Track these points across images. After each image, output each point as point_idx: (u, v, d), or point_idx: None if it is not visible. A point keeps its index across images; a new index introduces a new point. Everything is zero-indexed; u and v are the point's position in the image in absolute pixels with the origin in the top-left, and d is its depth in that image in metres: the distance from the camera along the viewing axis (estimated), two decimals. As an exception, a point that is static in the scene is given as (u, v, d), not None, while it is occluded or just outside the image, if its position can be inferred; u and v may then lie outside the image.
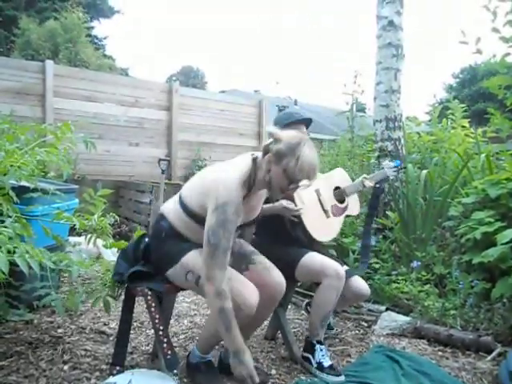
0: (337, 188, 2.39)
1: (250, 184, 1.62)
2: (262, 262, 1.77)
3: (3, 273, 1.46)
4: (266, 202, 1.94)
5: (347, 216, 2.42)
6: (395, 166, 2.58)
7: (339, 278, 1.97)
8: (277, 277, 1.74)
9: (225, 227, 1.50)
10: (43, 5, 16.63)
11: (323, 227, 2.24)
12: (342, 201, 2.37)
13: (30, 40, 12.88)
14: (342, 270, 2.00)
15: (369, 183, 2.43)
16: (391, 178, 2.60)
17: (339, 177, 2.47)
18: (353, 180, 2.55)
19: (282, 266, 2.07)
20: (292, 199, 2.09)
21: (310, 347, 2.04)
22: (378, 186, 2.52)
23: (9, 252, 1.52)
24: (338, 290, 1.98)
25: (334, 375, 1.91)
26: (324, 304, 2.00)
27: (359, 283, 2.15)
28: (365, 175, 2.50)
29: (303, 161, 1.52)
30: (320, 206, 2.28)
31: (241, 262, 1.75)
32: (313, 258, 2.06)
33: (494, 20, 2.90)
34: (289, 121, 2.17)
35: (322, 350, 2.01)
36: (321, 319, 2.02)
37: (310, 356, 2.01)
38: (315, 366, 1.97)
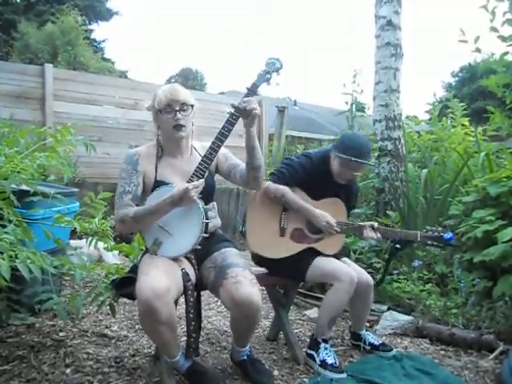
0: None
1: (159, 146, 1.87)
2: (234, 275, 1.66)
3: (5, 279, 1.46)
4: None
5: (313, 250, 2.13)
6: (445, 239, 2.07)
7: (352, 283, 1.98)
8: (244, 292, 1.60)
9: (119, 176, 1.80)
10: (42, 8, 16.66)
11: (267, 241, 2.10)
12: (317, 232, 2.14)
13: (29, 43, 12.91)
14: (354, 275, 2.00)
15: (370, 234, 2.11)
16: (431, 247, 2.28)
17: (335, 208, 2.15)
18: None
19: (292, 267, 2.09)
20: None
21: (314, 345, 2.05)
22: (397, 246, 2.21)
23: (10, 257, 1.52)
24: (349, 294, 2.00)
25: (336, 372, 1.92)
26: (334, 306, 2.02)
27: (358, 275, 2.09)
28: (374, 223, 2.16)
29: (158, 93, 1.81)
30: (278, 220, 2.14)
31: (219, 277, 1.70)
32: (325, 261, 2.07)
33: (492, 19, 2.90)
34: (355, 159, 2.06)
35: (326, 348, 2.02)
36: (329, 320, 2.03)
37: (314, 353, 2.02)
38: (318, 363, 1.97)
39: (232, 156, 1.95)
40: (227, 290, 1.64)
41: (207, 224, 1.70)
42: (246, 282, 1.64)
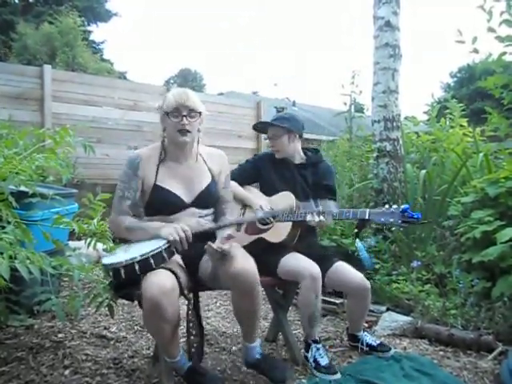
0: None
1: (163, 149, 1.88)
2: (233, 253, 1.68)
3: (4, 279, 1.46)
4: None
5: (284, 247, 2.15)
6: (402, 212, 1.87)
7: (313, 279, 1.98)
8: (239, 264, 1.63)
9: (120, 179, 1.84)
10: (40, 9, 16.67)
11: None
12: (266, 223, 2.22)
13: (27, 45, 12.91)
14: (316, 270, 1.99)
15: (312, 218, 2.04)
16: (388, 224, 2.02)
17: (284, 200, 2.22)
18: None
19: (266, 265, 2.07)
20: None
21: (307, 347, 2.08)
22: (355, 230, 2.27)
23: (10, 258, 1.52)
24: (315, 290, 1.99)
25: (329, 374, 1.93)
26: (305, 305, 2.03)
27: (354, 278, 2.11)
28: (320, 208, 2.09)
29: (168, 95, 1.83)
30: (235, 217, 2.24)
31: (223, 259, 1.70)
32: (291, 259, 2.08)
33: (489, 20, 2.91)
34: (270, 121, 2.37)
35: (318, 349, 2.03)
36: (307, 320, 2.04)
37: (308, 355, 2.04)
38: (313, 365, 2.00)
39: (228, 192, 2.02)
40: (224, 268, 1.65)
41: (144, 261, 1.59)
42: (240, 255, 1.67)
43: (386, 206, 2.03)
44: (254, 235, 2.21)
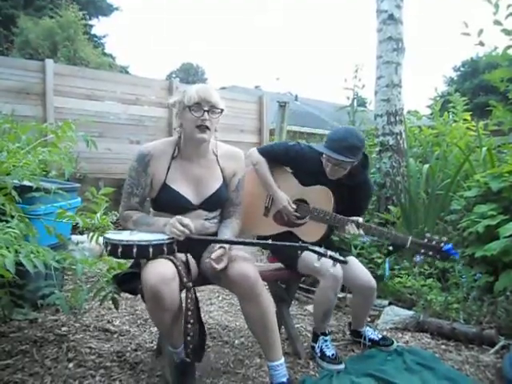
0: (304, 201, 2.13)
1: (177, 144, 1.83)
2: (233, 256, 1.70)
3: (10, 272, 1.47)
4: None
5: (292, 234, 2.11)
6: (444, 250, 1.87)
7: (335, 279, 1.95)
8: (238, 267, 1.64)
9: (129, 174, 1.81)
10: (42, 3, 16.61)
11: (250, 218, 2.09)
12: (301, 217, 2.12)
13: (29, 39, 12.88)
14: (339, 272, 1.94)
15: (352, 229, 1.98)
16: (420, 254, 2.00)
17: (321, 196, 2.08)
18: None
19: (285, 257, 2.11)
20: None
21: (314, 338, 2.12)
22: (390, 248, 2.18)
23: (15, 252, 1.53)
24: (334, 290, 1.99)
25: (333, 364, 1.97)
26: (323, 303, 2.04)
27: (360, 276, 2.10)
28: (359, 219, 2.02)
29: (189, 89, 1.76)
30: (264, 199, 2.17)
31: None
32: (313, 255, 2.03)
33: (495, 12, 2.88)
34: (329, 153, 1.97)
35: (326, 340, 2.07)
36: (321, 316, 2.07)
37: (315, 345, 2.09)
38: (318, 354, 2.04)
39: (239, 195, 1.93)
40: (224, 272, 1.65)
41: (144, 247, 1.61)
42: (239, 259, 1.68)
43: (428, 234, 1.98)
44: (283, 226, 2.15)
